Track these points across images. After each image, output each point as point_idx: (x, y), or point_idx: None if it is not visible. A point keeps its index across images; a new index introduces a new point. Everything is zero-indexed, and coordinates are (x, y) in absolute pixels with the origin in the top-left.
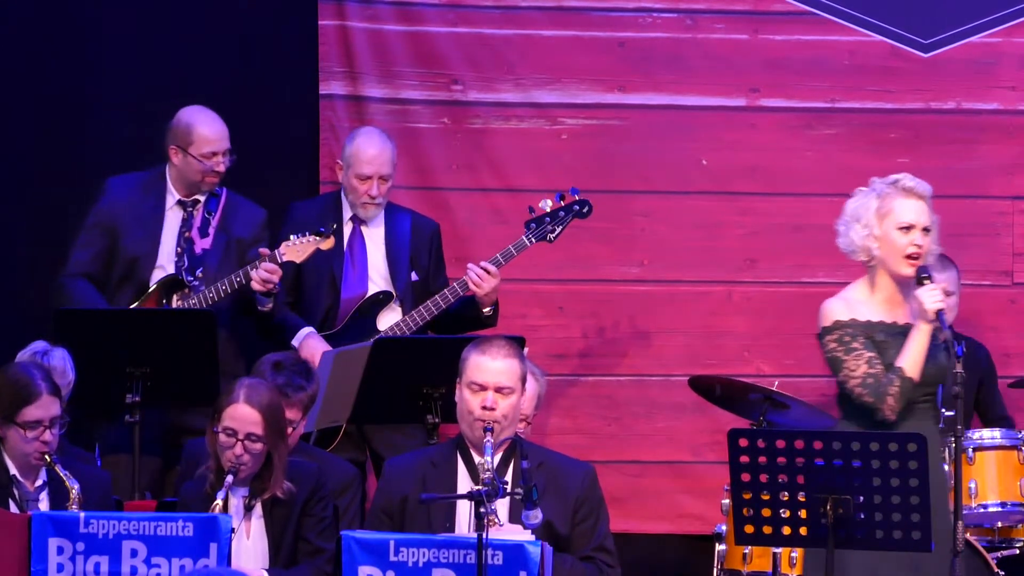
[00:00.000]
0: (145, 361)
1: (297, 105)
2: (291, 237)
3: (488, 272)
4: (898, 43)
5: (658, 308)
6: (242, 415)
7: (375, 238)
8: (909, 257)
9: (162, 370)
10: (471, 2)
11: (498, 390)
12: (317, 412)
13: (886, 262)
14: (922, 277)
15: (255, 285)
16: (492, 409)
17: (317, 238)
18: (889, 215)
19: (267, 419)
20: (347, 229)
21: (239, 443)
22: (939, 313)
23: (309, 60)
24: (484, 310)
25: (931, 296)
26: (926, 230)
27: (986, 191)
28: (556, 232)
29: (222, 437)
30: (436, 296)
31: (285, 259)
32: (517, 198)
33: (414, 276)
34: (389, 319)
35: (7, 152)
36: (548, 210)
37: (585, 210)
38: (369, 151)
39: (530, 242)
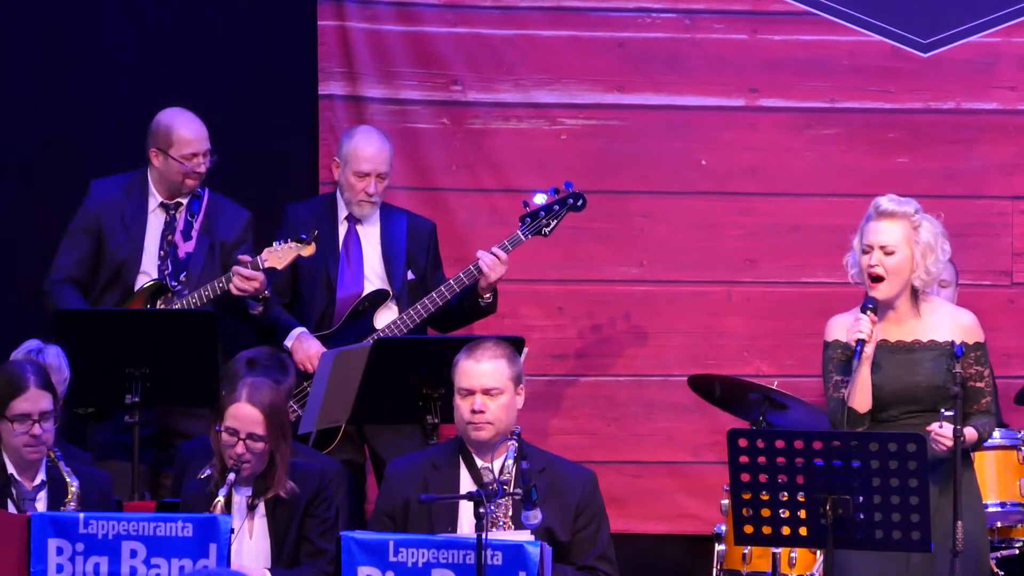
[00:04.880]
0: (145, 361)
1: (297, 105)
2: (273, 243)
3: (499, 258)
4: (898, 43)
5: (657, 308)
6: (244, 414)
7: (371, 237)
8: (871, 277)
9: (162, 370)
10: (471, 2)
11: (486, 392)
12: (317, 412)
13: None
14: (864, 307)
15: (233, 289)
16: (481, 412)
17: (298, 244)
18: (860, 239)
19: (269, 418)
20: (342, 228)
21: (241, 442)
22: (858, 344)
23: (309, 60)
24: (484, 296)
25: (852, 325)
26: (888, 252)
27: (986, 191)
28: (551, 226)
29: (224, 436)
30: (433, 293)
31: (267, 265)
32: (517, 198)
33: (410, 275)
34: (386, 317)
35: (7, 154)
36: (542, 204)
37: (579, 203)
38: (368, 149)
39: (525, 236)
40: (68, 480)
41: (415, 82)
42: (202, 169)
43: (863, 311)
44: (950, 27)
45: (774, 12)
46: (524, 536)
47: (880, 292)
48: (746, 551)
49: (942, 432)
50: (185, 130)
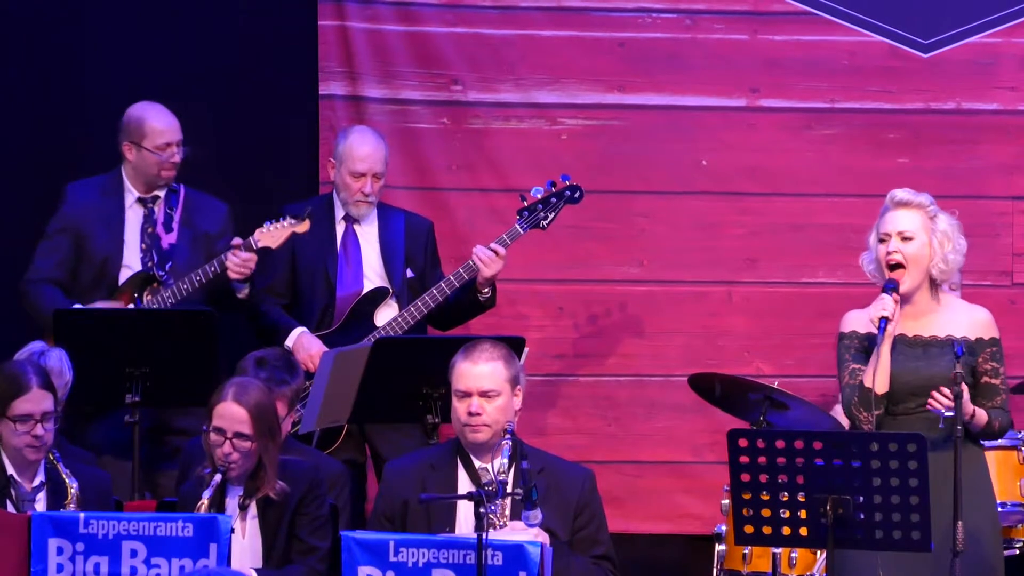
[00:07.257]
0: (145, 361)
1: (297, 105)
2: (265, 224)
3: (497, 254)
4: (898, 43)
5: (658, 308)
6: (230, 413)
7: (368, 236)
8: (889, 266)
9: (162, 370)
10: (471, 2)
11: (482, 395)
12: (317, 412)
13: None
14: (885, 288)
15: (231, 273)
16: (478, 415)
17: (293, 221)
18: (877, 232)
19: (255, 418)
20: (340, 228)
21: (227, 441)
22: (881, 321)
23: (309, 60)
24: (483, 291)
25: (876, 305)
26: (906, 238)
27: (986, 191)
28: (549, 219)
29: (212, 436)
30: (433, 289)
31: (260, 245)
32: (516, 198)
33: (409, 273)
34: (386, 315)
35: (6, 154)
36: (539, 198)
37: (576, 195)
38: (363, 149)
39: (523, 230)
40: (68, 482)
41: (415, 82)
42: (177, 159)
43: (885, 291)
44: (950, 27)
45: (774, 12)
46: (527, 534)
47: (902, 284)
48: (746, 551)
49: (944, 395)
50: (156, 121)
